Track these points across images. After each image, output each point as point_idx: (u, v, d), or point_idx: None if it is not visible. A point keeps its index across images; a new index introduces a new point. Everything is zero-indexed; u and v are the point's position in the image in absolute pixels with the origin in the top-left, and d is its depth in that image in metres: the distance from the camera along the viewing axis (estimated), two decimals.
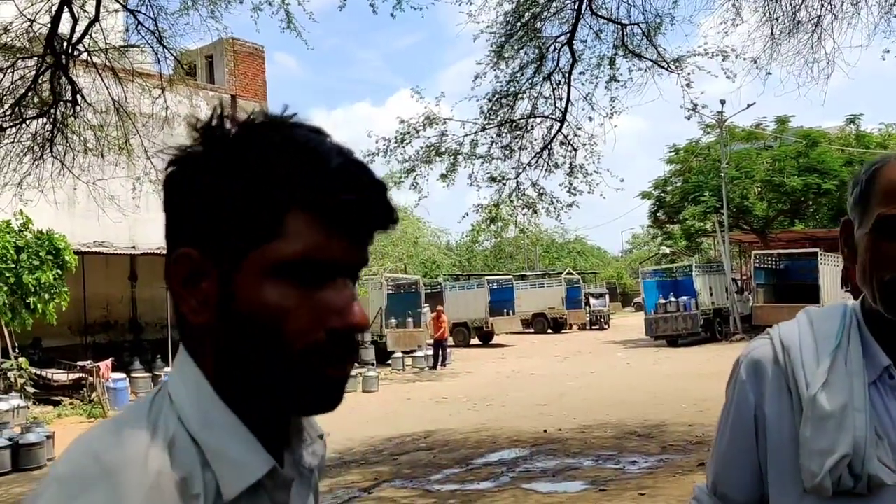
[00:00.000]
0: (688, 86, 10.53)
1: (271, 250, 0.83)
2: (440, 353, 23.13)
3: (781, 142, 32.50)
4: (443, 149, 11.08)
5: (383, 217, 0.89)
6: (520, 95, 10.90)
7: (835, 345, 1.35)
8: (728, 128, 30.96)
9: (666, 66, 10.50)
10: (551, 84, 10.75)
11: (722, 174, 29.40)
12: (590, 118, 11.68)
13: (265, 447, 0.86)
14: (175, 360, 0.91)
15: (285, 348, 0.83)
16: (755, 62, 10.09)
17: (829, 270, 24.57)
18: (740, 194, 30.94)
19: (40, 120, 10.78)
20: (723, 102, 27.58)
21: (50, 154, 11.11)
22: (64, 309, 11.87)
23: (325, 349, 0.84)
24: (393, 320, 24.50)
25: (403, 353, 23.29)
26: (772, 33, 9.66)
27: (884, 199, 1.26)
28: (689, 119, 11.20)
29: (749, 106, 28.91)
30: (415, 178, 11.25)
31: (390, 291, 26.06)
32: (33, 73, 10.24)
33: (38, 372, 16.11)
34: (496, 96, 10.90)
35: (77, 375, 16.26)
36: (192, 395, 0.86)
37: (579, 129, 11.17)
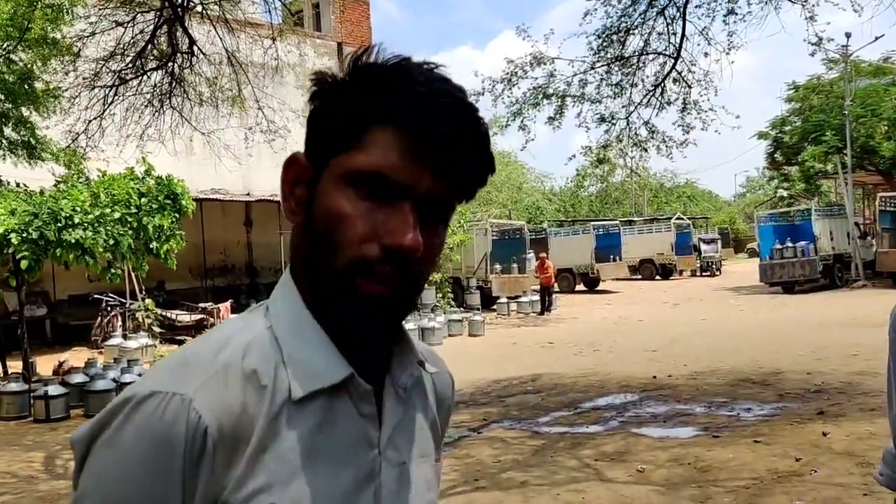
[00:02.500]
0: (812, 18, 9.89)
1: (348, 159, 0.89)
2: (546, 298, 23.07)
3: None
4: (550, 90, 10.84)
5: (467, 154, 0.90)
6: (631, 31, 10.51)
7: None
8: (853, 62, 29.06)
9: None
10: (665, 19, 10.31)
11: (846, 112, 27.71)
12: (705, 54, 11.18)
13: (361, 367, 0.92)
14: (280, 280, 0.99)
15: (338, 254, 0.88)
16: None
17: None
18: (865, 133, 29.08)
19: (159, 72, 11.20)
20: (848, 35, 25.87)
21: (168, 105, 11.56)
22: (178, 251, 12.47)
23: (373, 264, 0.87)
24: (498, 266, 24.55)
25: (508, 298, 23.36)
26: None
27: None
28: (813, 55, 10.60)
29: (877, 38, 27.23)
30: (522, 121, 11.08)
31: (495, 237, 26.05)
32: (152, 26, 10.61)
33: (164, 313, 17.06)
34: (606, 32, 10.54)
35: (199, 316, 17.15)
36: (285, 305, 0.94)
37: (694, 65, 10.71)
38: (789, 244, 25.58)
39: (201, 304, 17.81)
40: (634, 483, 6.28)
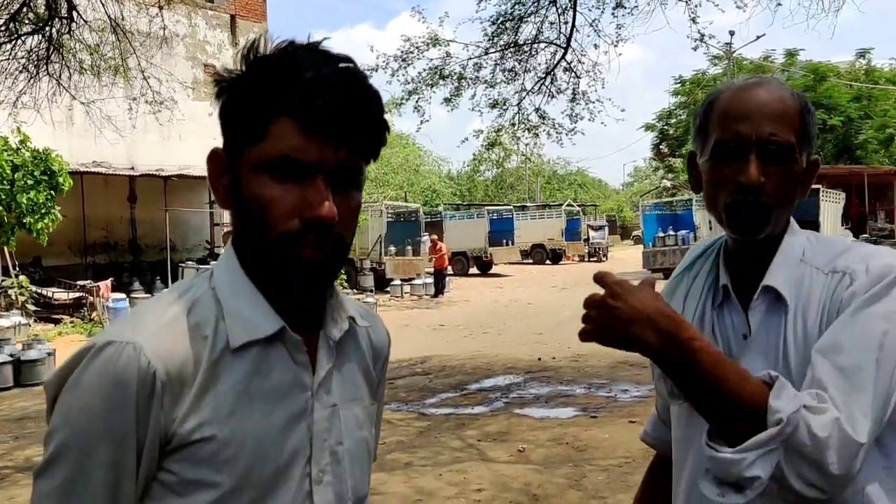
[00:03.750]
0: (694, 19, 10.31)
1: (258, 151, 1.03)
2: (440, 281, 23.24)
3: (789, 75, 32.02)
4: (446, 71, 10.91)
5: (361, 121, 1.04)
6: (525, 19, 10.68)
7: (681, 269, 1.48)
8: (736, 60, 30.48)
9: None
10: (557, 8, 10.52)
11: None
12: (595, 45, 11.55)
13: (297, 322, 1.08)
14: (224, 250, 1.14)
15: (268, 231, 1.03)
16: None
17: (830, 207, 24.50)
18: None
19: (35, 37, 10.58)
20: (732, 34, 27.20)
21: (45, 73, 10.94)
22: (52, 230, 11.89)
23: (299, 235, 1.02)
24: (392, 248, 24.55)
25: (402, 280, 23.42)
26: None
27: (719, 126, 1.33)
28: (695, 50, 11.04)
29: (758, 38, 28.38)
30: (417, 101, 11.11)
31: (390, 219, 26.02)
32: None
33: (39, 290, 16.21)
34: (500, 19, 10.67)
35: (77, 294, 16.38)
36: (225, 271, 1.09)
37: (584, 55, 10.99)
38: (671, 232, 26.64)
39: (80, 282, 17.01)
40: (515, 462, 6.45)
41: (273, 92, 1.01)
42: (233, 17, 23.12)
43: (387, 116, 1.10)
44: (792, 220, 1.39)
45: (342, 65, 1.03)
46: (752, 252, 1.37)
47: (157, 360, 0.98)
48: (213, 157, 1.10)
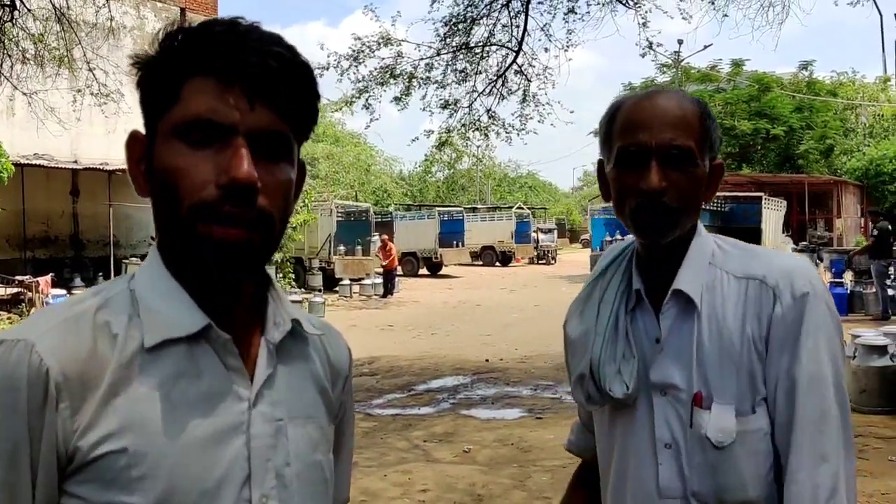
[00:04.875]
0: (644, 24, 10.49)
1: (170, 115, 0.91)
2: (389, 282, 23.19)
3: (735, 85, 32.76)
4: (397, 71, 10.92)
5: (285, 81, 0.91)
6: (477, 21, 10.76)
7: (595, 276, 1.51)
8: (683, 68, 31.05)
9: (624, 2, 10.42)
10: (509, 12, 10.61)
11: None
12: (546, 49, 11.61)
13: (227, 323, 0.94)
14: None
15: (179, 205, 0.89)
16: (713, 2, 10.08)
17: (772, 215, 25.15)
18: None
19: None
20: (680, 42, 27.70)
21: None
22: None
23: (215, 207, 0.88)
24: (342, 248, 24.40)
25: (351, 280, 23.29)
26: None
27: (621, 134, 1.36)
28: (643, 57, 11.24)
29: (705, 47, 29.18)
30: (367, 99, 11.10)
31: (340, 218, 25.85)
32: None
33: None
34: (453, 20, 10.72)
35: (15, 290, 15.92)
36: (147, 269, 0.97)
37: (535, 59, 11.10)
38: (618, 236, 26.99)
39: (18, 277, 16.55)
40: (460, 463, 6.47)
41: (186, 51, 0.90)
42: (182, 10, 22.72)
43: (319, 89, 0.98)
44: (699, 224, 1.42)
45: (267, 32, 0.93)
46: (662, 256, 1.39)
47: (50, 358, 0.84)
48: (132, 141, 0.97)
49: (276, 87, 0.90)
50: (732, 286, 1.35)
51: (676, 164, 1.32)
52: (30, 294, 15.49)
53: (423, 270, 31.62)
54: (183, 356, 0.91)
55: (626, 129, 1.35)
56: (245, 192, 0.87)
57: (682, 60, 29.61)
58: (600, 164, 1.45)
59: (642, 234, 1.38)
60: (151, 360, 0.89)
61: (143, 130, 0.97)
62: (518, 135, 11.71)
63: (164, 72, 0.91)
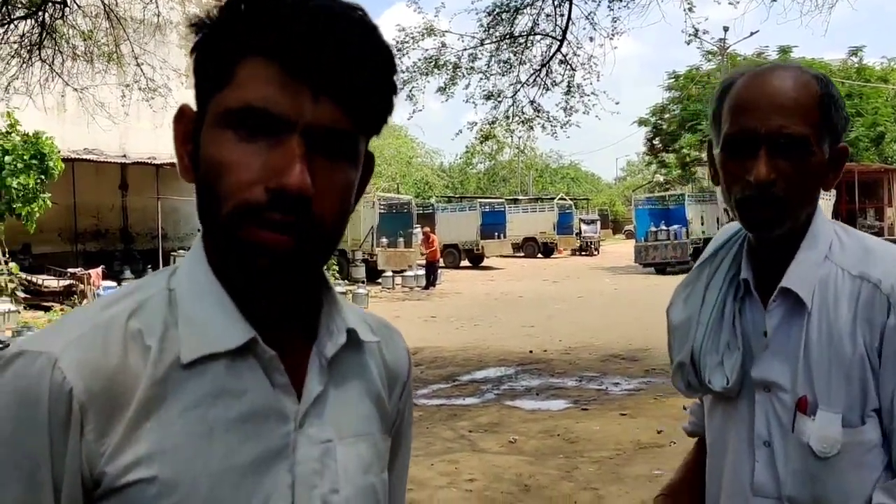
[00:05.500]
0: (690, 9, 10.31)
1: (221, 98, 0.80)
2: (431, 273, 23.25)
3: None
4: (441, 61, 10.92)
5: (357, 69, 0.79)
6: (521, 10, 10.68)
7: (704, 258, 1.45)
8: (730, 56, 30.50)
9: None
10: (553, 0, 10.52)
11: None
12: (590, 38, 11.51)
13: (276, 335, 0.84)
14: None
15: (222, 203, 0.79)
16: None
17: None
18: None
19: (28, 21, 10.51)
20: (726, 29, 27.19)
21: (38, 58, 10.88)
22: (42, 215, 11.77)
23: (260, 209, 0.78)
24: (384, 240, 24.53)
25: (394, 272, 23.40)
26: None
27: (729, 118, 1.27)
28: (689, 44, 11.08)
29: (752, 34, 28.56)
30: (411, 90, 11.12)
31: (382, 211, 25.97)
32: None
33: (29, 277, 16.16)
34: (496, 10, 10.67)
35: (67, 282, 16.33)
36: (189, 267, 0.86)
37: (579, 48, 11.00)
38: (663, 227, 26.72)
39: (70, 270, 16.95)
40: (506, 453, 6.47)
41: (248, 24, 0.78)
42: None
43: (398, 80, 0.86)
44: (820, 211, 1.34)
45: (343, 3, 0.80)
46: (773, 248, 1.32)
47: (74, 375, 0.75)
48: (180, 116, 0.86)
49: (349, 79, 0.78)
50: (846, 284, 1.28)
51: (788, 154, 1.24)
52: (81, 286, 15.86)
53: (465, 262, 31.63)
54: (224, 372, 0.81)
55: (735, 112, 1.26)
56: (296, 202, 0.77)
57: (728, 48, 29.08)
58: (709, 143, 1.38)
59: (749, 228, 1.31)
60: (188, 377, 0.80)
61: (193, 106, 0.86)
62: (562, 127, 11.63)
63: (220, 45, 0.80)
